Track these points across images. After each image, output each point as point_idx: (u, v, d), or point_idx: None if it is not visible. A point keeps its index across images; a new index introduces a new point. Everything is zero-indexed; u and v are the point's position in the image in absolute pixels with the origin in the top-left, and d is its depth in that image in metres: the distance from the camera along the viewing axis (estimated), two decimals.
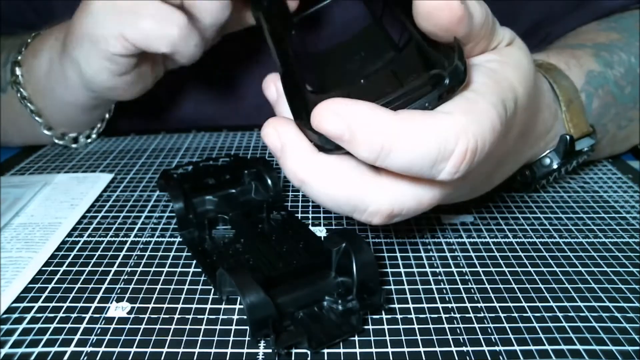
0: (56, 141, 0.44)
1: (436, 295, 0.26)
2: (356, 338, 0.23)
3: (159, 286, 0.27)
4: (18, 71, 0.41)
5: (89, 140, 0.45)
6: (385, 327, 0.24)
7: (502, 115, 0.22)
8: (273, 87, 0.25)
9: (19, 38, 0.44)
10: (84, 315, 0.25)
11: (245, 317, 0.24)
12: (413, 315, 0.24)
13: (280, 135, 0.22)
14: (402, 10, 0.24)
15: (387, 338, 0.23)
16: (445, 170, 0.21)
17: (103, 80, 0.37)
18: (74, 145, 0.44)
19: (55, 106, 0.41)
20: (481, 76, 0.23)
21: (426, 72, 0.21)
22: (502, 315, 0.24)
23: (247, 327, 0.24)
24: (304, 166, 0.22)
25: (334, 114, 0.20)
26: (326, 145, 0.21)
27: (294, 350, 0.23)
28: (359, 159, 0.21)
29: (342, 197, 0.22)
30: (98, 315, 0.25)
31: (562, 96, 0.32)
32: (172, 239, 0.31)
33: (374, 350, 0.23)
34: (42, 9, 0.46)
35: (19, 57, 0.41)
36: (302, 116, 0.22)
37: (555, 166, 0.32)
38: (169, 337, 0.23)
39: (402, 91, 0.21)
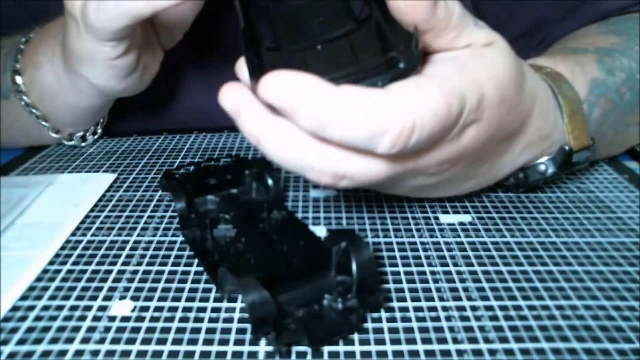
0: (65, 142, 0.44)
1: (434, 295, 0.26)
2: (355, 336, 0.23)
3: (161, 285, 0.27)
4: (19, 80, 0.41)
5: (96, 136, 0.46)
6: (385, 325, 0.24)
7: (453, 105, 0.23)
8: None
9: (11, 38, 0.44)
10: (87, 313, 0.25)
11: (246, 315, 0.25)
12: (412, 314, 0.25)
13: (236, 99, 0.23)
14: None
15: (386, 336, 0.23)
16: (382, 145, 0.22)
17: (114, 85, 0.38)
18: (83, 144, 0.45)
19: (65, 110, 0.42)
20: (443, 65, 0.24)
21: (382, 54, 0.23)
22: (499, 313, 0.25)
23: (249, 325, 0.24)
24: (258, 126, 0.23)
25: (279, 88, 0.21)
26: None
27: (294, 348, 0.23)
28: None
29: (291, 157, 0.23)
30: (101, 314, 0.25)
31: (565, 107, 0.32)
32: (174, 238, 0.31)
33: (373, 348, 0.23)
34: (36, 11, 0.47)
35: (18, 66, 0.41)
36: (256, 78, 0.23)
37: (549, 173, 0.33)
38: (171, 335, 0.24)
39: (356, 68, 0.23)
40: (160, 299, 0.26)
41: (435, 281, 0.27)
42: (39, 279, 0.27)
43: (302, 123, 0.21)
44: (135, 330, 0.24)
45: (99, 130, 0.46)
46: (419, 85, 0.22)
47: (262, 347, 0.23)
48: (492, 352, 0.23)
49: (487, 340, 0.23)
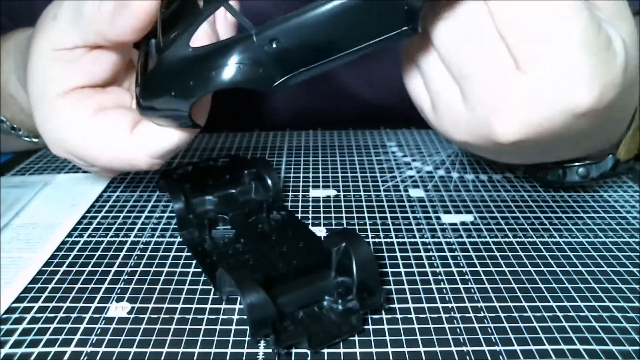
0: (33, 140, 0.42)
1: (436, 295, 0.26)
2: (356, 338, 0.23)
3: (159, 286, 0.27)
4: None
5: None
6: (385, 326, 0.24)
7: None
8: None
9: None
10: (84, 315, 0.25)
11: (245, 317, 0.24)
12: (413, 315, 0.24)
13: None
14: None
15: (387, 338, 0.23)
16: None
17: None
18: None
19: (18, 114, 0.39)
20: None
21: None
22: (502, 315, 0.24)
23: (247, 327, 0.24)
24: None
25: None
26: None
27: (294, 350, 0.23)
28: None
29: None
30: (98, 315, 0.25)
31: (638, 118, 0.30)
32: (172, 239, 0.31)
33: (374, 350, 0.23)
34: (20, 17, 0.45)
35: None
36: None
37: (589, 179, 0.32)
38: (169, 337, 0.23)
39: None
40: (158, 300, 0.26)
41: (437, 282, 0.27)
42: (35, 281, 0.27)
43: None
44: (133, 332, 0.24)
45: None
46: None
47: (262, 350, 0.23)
48: (494, 354, 0.22)
49: (489, 342, 0.23)
